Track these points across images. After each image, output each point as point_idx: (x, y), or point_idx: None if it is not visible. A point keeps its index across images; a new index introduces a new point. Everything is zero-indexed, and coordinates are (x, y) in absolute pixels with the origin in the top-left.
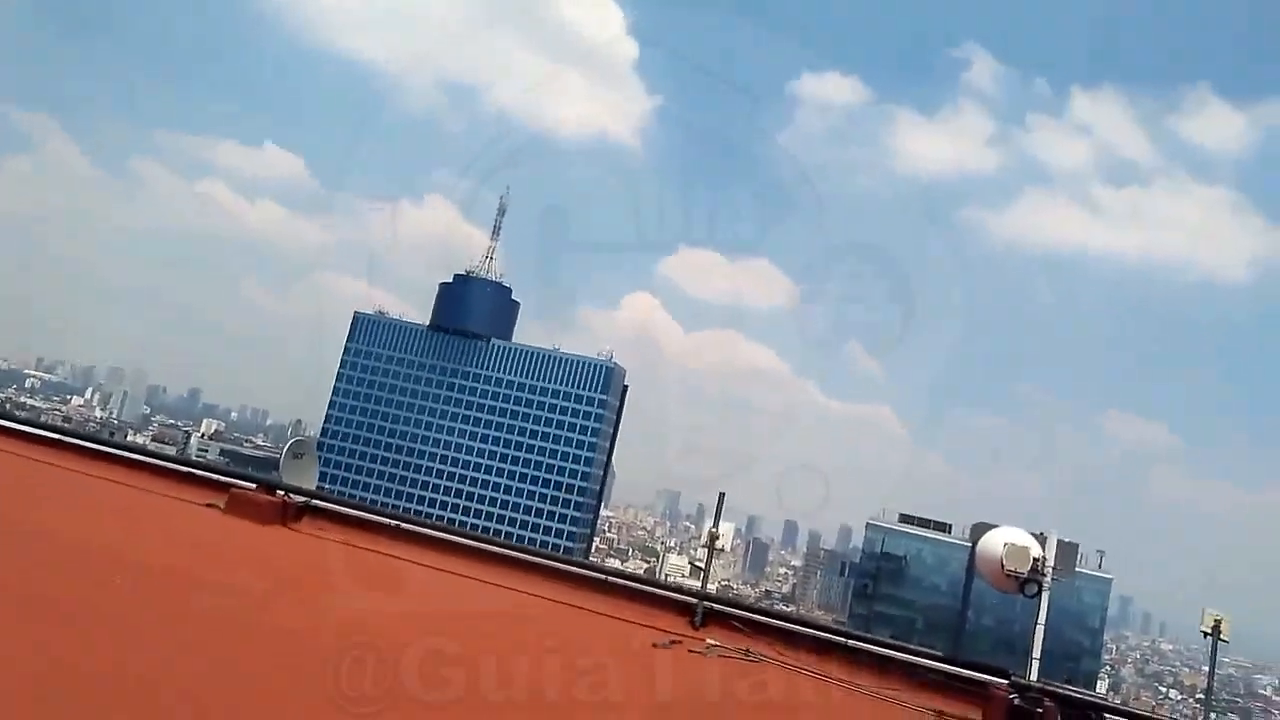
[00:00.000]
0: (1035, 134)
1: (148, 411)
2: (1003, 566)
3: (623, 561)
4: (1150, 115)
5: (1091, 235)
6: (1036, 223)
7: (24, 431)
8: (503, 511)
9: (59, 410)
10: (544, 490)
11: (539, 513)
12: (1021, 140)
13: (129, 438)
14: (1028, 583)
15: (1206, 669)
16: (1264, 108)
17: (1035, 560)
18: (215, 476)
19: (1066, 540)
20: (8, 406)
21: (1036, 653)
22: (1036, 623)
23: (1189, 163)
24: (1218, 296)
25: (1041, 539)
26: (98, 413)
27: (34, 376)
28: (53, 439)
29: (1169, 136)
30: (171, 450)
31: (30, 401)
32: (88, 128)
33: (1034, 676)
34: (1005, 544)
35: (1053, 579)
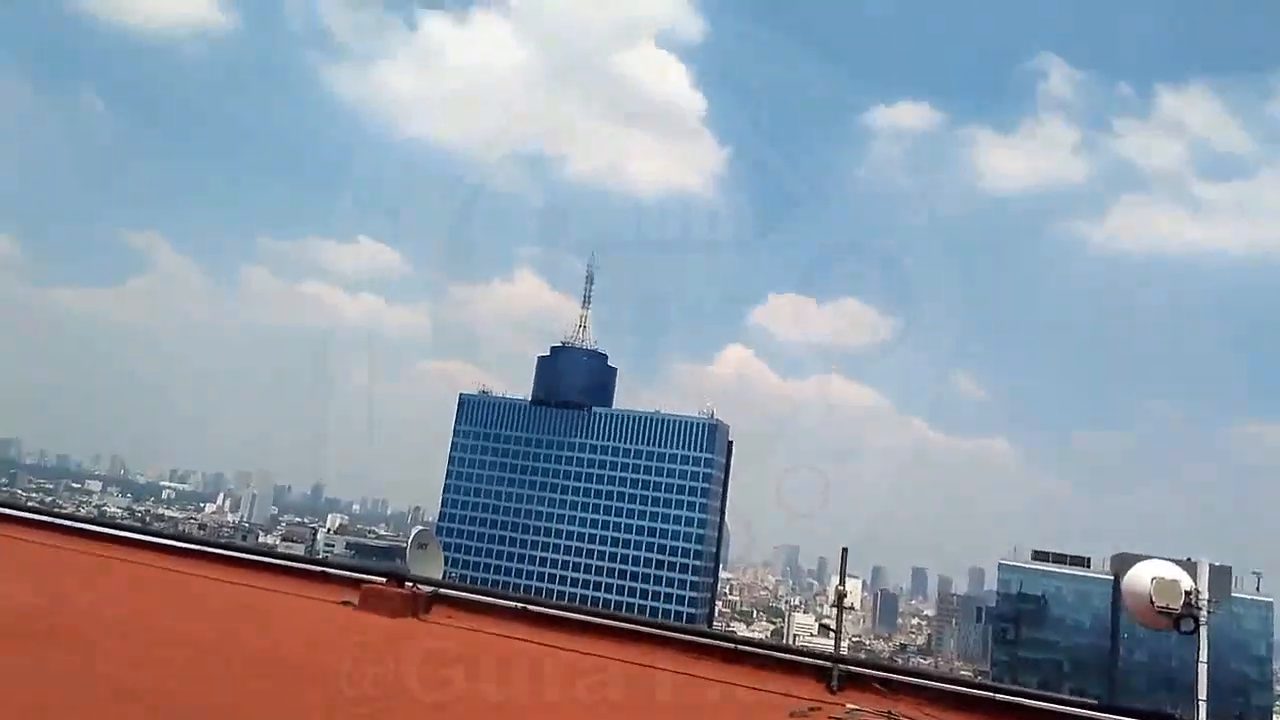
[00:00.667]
0: (1124, 138)
1: (275, 511)
2: (1152, 603)
3: (748, 624)
4: (1243, 104)
5: (1198, 234)
6: (1138, 228)
7: (168, 545)
8: (621, 581)
9: (194, 519)
10: (660, 556)
11: (657, 580)
12: (1110, 145)
13: (260, 539)
14: (1182, 618)
15: None
16: None
17: (1188, 594)
18: (347, 574)
19: (1218, 565)
20: (148, 519)
21: (1203, 693)
22: (1199, 661)
23: None
24: None
25: (1191, 567)
26: (229, 517)
27: (169, 488)
28: (194, 550)
29: (1266, 123)
30: (300, 547)
31: (167, 512)
32: (197, 242)
33: (1204, 719)
34: (1153, 578)
35: (1210, 611)
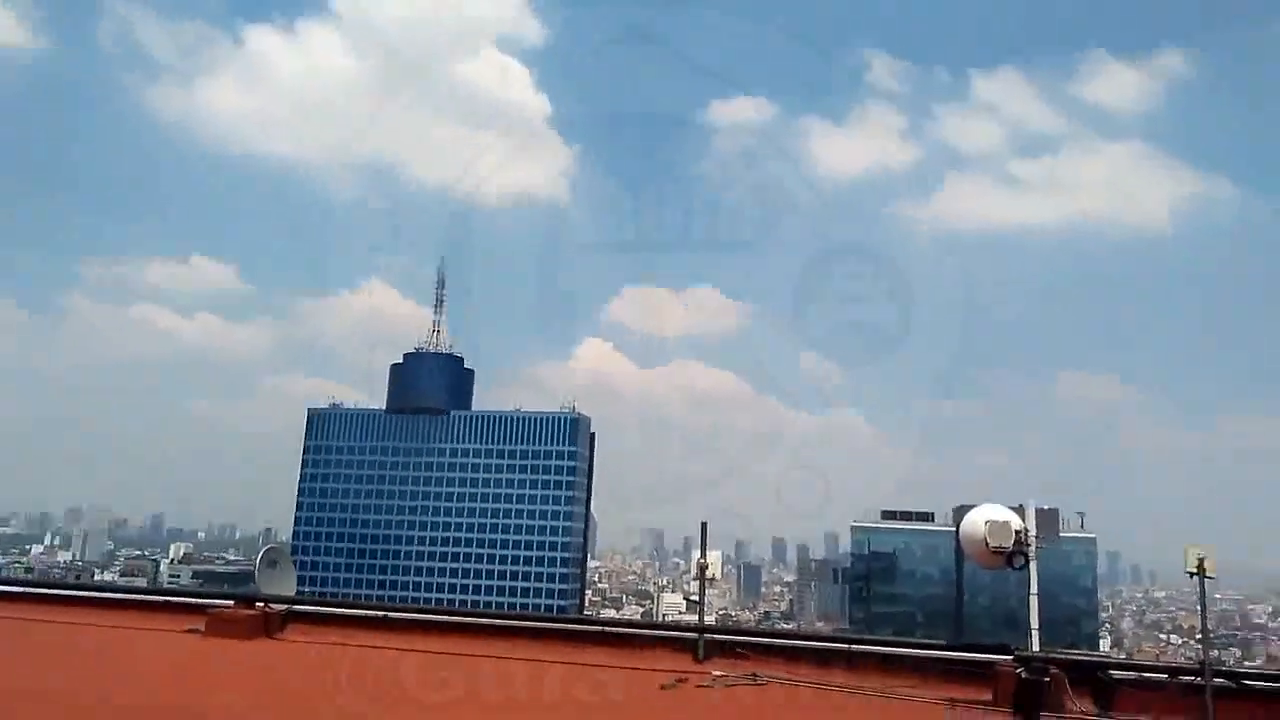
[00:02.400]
0: (944, 122)
1: (112, 547)
2: (987, 544)
3: (618, 610)
4: (1050, 86)
5: (1017, 209)
6: (963, 207)
7: None
8: (490, 582)
9: (19, 563)
10: (528, 553)
11: (526, 576)
12: (932, 130)
13: (96, 577)
14: (1014, 555)
15: (1200, 608)
16: (1157, 60)
17: (1017, 533)
18: (192, 600)
19: (1045, 508)
20: None
21: (1035, 623)
22: (1030, 593)
23: (1096, 124)
24: (1147, 246)
25: (1020, 510)
26: (60, 557)
27: None
28: (16, 592)
29: (1072, 102)
30: (142, 581)
31: None
32: (7, 272)
33: (1036, 647)
34: (986, 522)
35: (1038, 547)
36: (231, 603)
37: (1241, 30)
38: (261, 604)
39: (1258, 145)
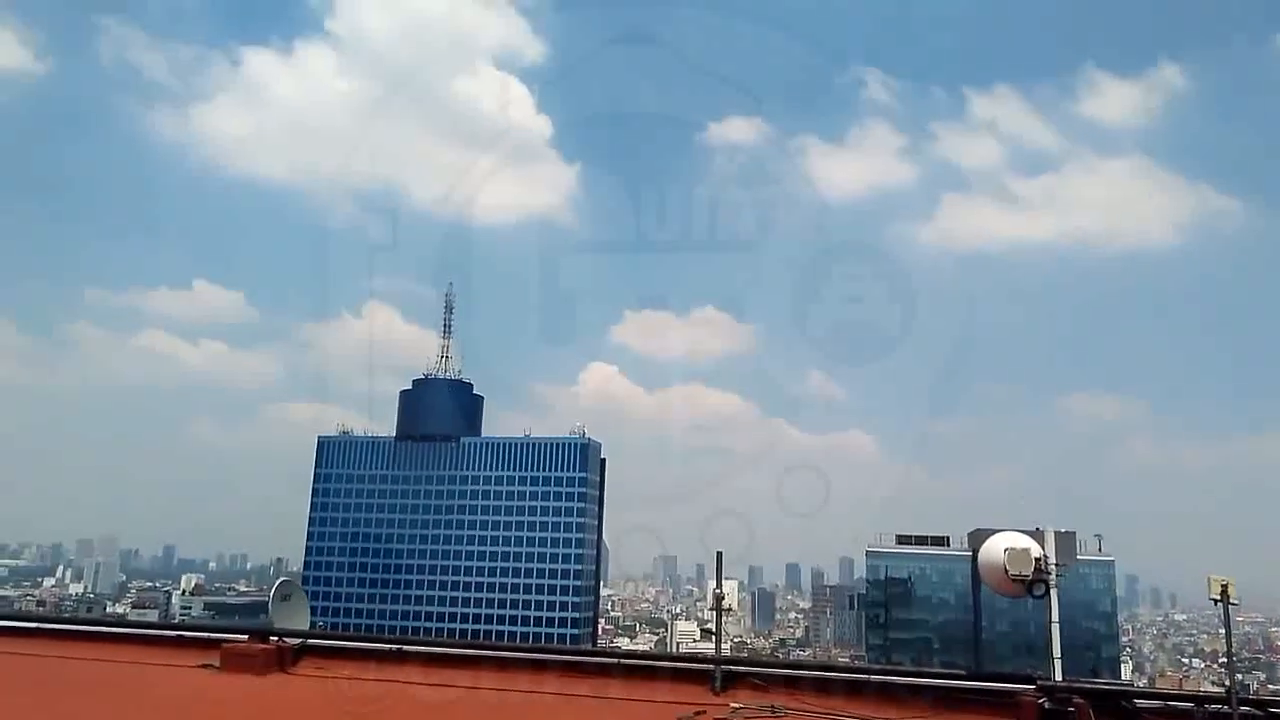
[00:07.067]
0: (943, 140)
1: (124, 579)
2: (1006, 572)
3: (631, 638)
4: (1047, 103)
5: (1017, 227)
6: (963, 225)
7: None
8: (502, 611)
9: (31, 595)
10: (540, 581)
11: (539, 605)
12: (931, 149)
13: (108, 609)
14: (1034, 584)
15: (1223, 633)
16: (1152, 76)
17: (1037, 560)
18: (206, 635)
19: (1063, 531)
20: None
21: (1057, 651)
22: (1051, 621)
23: (1095, 141)
24: (1152, 261)
25: (1039, 536)
26: (72, 589)
27: (1, 565)
28: (29, 628)
29: (1069, 119)
30: (154, 613)
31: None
32: (11, 299)
33: (1058, 676)
34: (1005, 549)
35: (1058, 575)
36: (246, 637)
37: (1239, 43)
38: (276, 638)
39: (1259, 157)
